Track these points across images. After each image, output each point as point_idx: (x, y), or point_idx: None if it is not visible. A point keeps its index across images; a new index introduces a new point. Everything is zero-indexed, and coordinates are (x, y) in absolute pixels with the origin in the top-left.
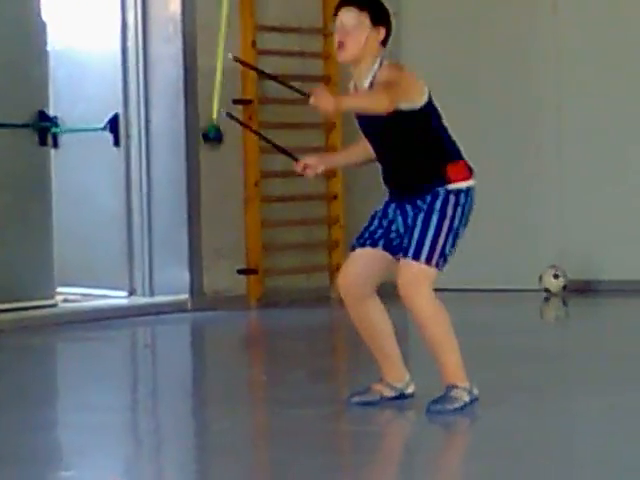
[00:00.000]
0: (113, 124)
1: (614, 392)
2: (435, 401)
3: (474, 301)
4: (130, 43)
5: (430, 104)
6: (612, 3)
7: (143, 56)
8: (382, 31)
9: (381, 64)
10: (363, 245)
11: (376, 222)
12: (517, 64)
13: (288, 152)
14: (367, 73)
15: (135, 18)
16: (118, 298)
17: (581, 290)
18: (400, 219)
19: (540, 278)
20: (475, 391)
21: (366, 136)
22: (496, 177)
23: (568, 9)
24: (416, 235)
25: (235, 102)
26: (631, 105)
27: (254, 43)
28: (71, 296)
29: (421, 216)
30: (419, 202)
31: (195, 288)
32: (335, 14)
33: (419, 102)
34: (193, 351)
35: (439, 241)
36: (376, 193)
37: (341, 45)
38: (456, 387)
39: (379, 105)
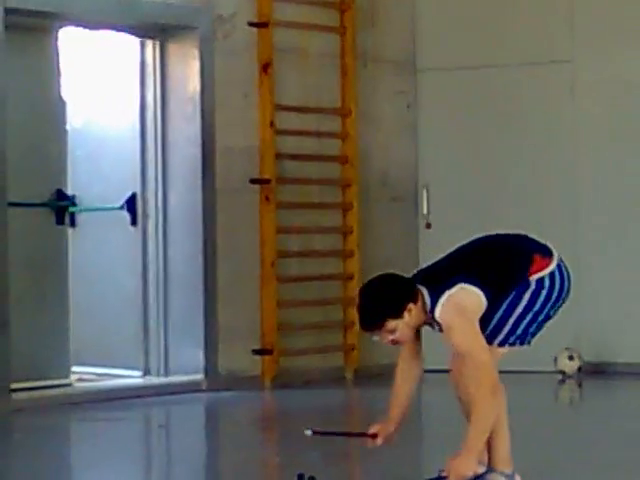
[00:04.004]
0: (130, 203)
1: (629, 476)
2: None
3: None
4: (149, 122)
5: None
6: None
7: (161, 135)
8: (410, 306)
9: (435, 303)
10: None
11: None
12: (536, 151)
13: (355, 434)
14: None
15: (154, 97)
16: (133, 378)
17: (596, 372)
18: None
19: (555, 360)
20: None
21: None
22: None
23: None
24: None
25: (253, 182)
26: None
27: (272, 123)
28: (86, 375)
29: None
30: None
31: (210, 368)
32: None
33: (481, 307)
34: (207, 432)
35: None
36: None
37: (395, 343)
38: None
39: (492, 403)
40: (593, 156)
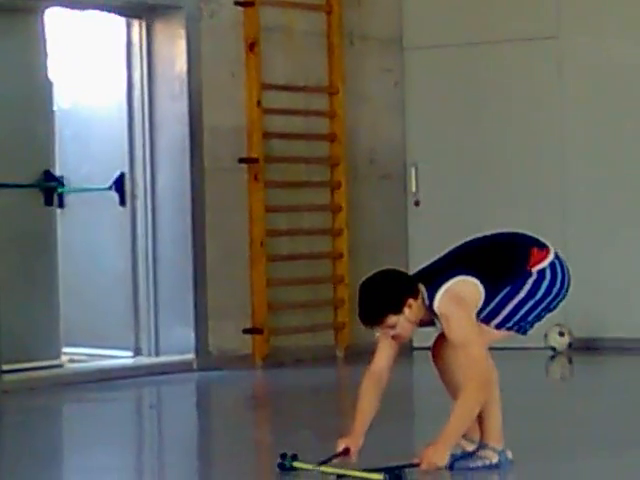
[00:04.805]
0: (119, 184)
1: (620, 452)
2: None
3: None
4: (136, 102)
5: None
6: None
7: (149, 115)
8: (411, 301)
9: (433, 296)
10: None
11: None
12: (523, 127)
13: (331, 457)
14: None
15: (141, 77)
16: (124, 358)
17: (587, 348)
18: None
19: (545, 336)
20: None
21: None
22: None
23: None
24: None
25: (241, 161)
26: (633, 168)
27: (259, 102)
28: (77, 356)
29: None
30: None
31: (201, 348)
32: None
33: (479, 299)
34: (198, 411)
35: None
36: (380, 252)
37: (396, 338)
38: None
39: (478, 399)
40: (580, 132)
